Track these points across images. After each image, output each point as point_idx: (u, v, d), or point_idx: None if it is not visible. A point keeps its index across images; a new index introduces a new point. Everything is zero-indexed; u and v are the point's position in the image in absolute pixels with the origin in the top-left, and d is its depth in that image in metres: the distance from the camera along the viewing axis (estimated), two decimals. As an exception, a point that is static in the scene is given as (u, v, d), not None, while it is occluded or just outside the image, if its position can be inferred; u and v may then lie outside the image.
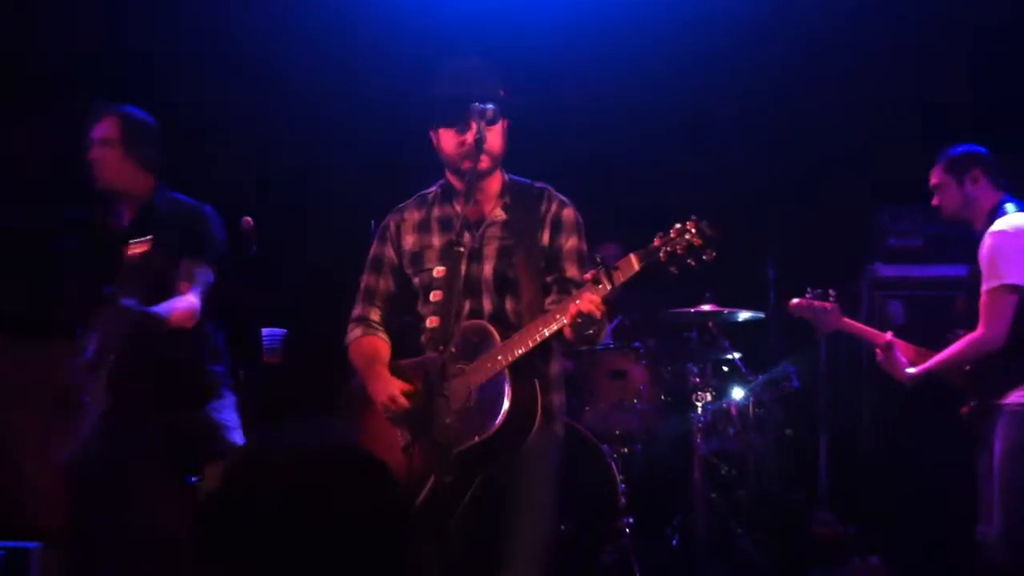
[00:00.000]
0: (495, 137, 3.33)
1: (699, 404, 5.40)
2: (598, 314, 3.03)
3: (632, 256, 3.08)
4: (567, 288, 3.30)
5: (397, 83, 5.56)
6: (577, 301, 3.03)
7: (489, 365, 3.16)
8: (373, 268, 3.51)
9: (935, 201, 4.41)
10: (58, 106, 5.35)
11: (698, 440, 5.37)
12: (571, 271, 3.33)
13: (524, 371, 3.17)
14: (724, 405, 5.51)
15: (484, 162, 3.30)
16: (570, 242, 3.37)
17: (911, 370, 4.30)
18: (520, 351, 3.13)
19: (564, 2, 5.85)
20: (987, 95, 5.71)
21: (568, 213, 3.39)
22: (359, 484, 1.73)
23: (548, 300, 3.30)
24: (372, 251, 3.52)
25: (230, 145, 5.91)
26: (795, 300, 4.57)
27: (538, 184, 3.45)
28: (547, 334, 3.12)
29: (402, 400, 3.27)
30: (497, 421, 3.11)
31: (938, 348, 4.36)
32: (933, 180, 4.42)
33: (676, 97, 6.03)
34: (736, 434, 5.48)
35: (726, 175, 6.08)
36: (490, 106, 3.29)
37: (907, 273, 5.59)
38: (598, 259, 3.09)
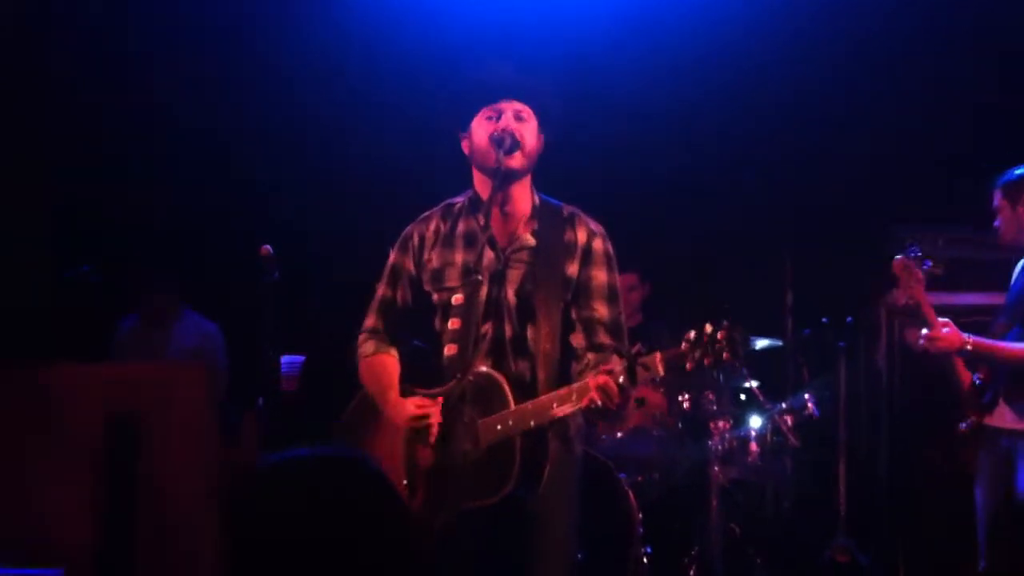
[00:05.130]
0: (530, 134, 3.27)
1: (716, 432, 5.39)
2: (612, 405, 2.99)
3: (659, 358, 2.98)
4: (594, 328, 3.25)
5: (420, 109, 5.58)
6: (594, 389, 2.99)
7: (499, 428, 3.11)
8: (391, 279, 3.41)
9: (997, 222, 4.36)
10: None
11: (716, 468, 5.34)
12: (600, 310, 3.27)
13: (535, 432, 3.14)
14: (742, 433, 5.49)
15: (516, 159, 3.23)
16: (600, 276, 3.30)
17: (970, 339, 4.18)
18: (532, 424, 3.09)
19: (579, 37, 5.86)
20: (1007, 120, 5.70)
21: (598, 244, 3.32)
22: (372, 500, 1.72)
23: (573, 338, 3.26)
24: (391, 260, 3.43)
25: (249, 172, 5.94)
26: (899, 257, 4.37)
27: (568, 208, 3.37)
28: (559, 415, 3.08)
29: (425, 415, 3.20)
30: (506, 489, 3.09)
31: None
32: (994, 203, 4.36)
33: (692, 123, 6.03)
34: (754, 462, 5.46)
35: (743, 200, 6.07)
36: (524, 103, 3.27)
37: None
38: (626, 352, 3.08)
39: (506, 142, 3.22)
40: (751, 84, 5.92)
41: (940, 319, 4.23)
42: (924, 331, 4.25)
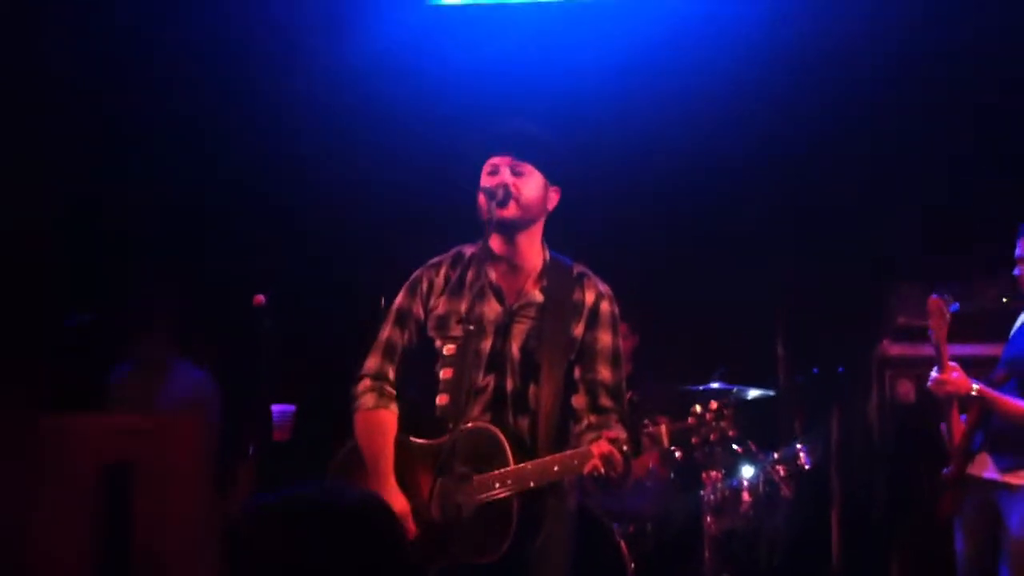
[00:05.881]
0: (528, 187, 3.30)
1: (709, 482, 5.38)
2: (614, 474, 3.01)
3: (664, 431, 3.05)
4: (597, 391, 3.26)
5: (418, 159, 5.62)
6: (596, 457, 3.01)
7: (498, 486, 3.11)
8: (398, 322, 3.40)
9: (1018, 271, 4.34)
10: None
11: (708, 519, 5.34)
12: (603, 373, 3.28)
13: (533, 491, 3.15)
14: (734, 483, 5.48)
15: (508, 210, 3.26)
16: (604, 339, 3.31)
17: (976, 386, 4.21)
18: (531, 484, 3.09)
19: (568, 77, 5.90)
20: (1000, 172, 5.75)
21: (605, 307, 3.34)
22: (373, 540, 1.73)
23: (575, 399, 3.27)
24: (398, 303, 3.43)
25: (244, 222, 5.95)
26: (935, 296, 4.35)
27: (578, 267, 3.40)
28: (560, 477, 3.11)
29: (410, 525, 3.20)
30: (504, 548, 3.09)
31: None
32: (1017, 252, 4.34)
33: (683, 172, 6.06)
34: (746, 512, 5.45)
35: (736, 251, 6.10)
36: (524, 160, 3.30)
37: (917, 352, 5.58)
38: (627, 418, 3.13)
39: (498, 194, 3.26)
40: (749, 138, 5.96)
41: (950, 363, 4.25)
42: (934, 373, 4.27)
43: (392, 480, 3.25)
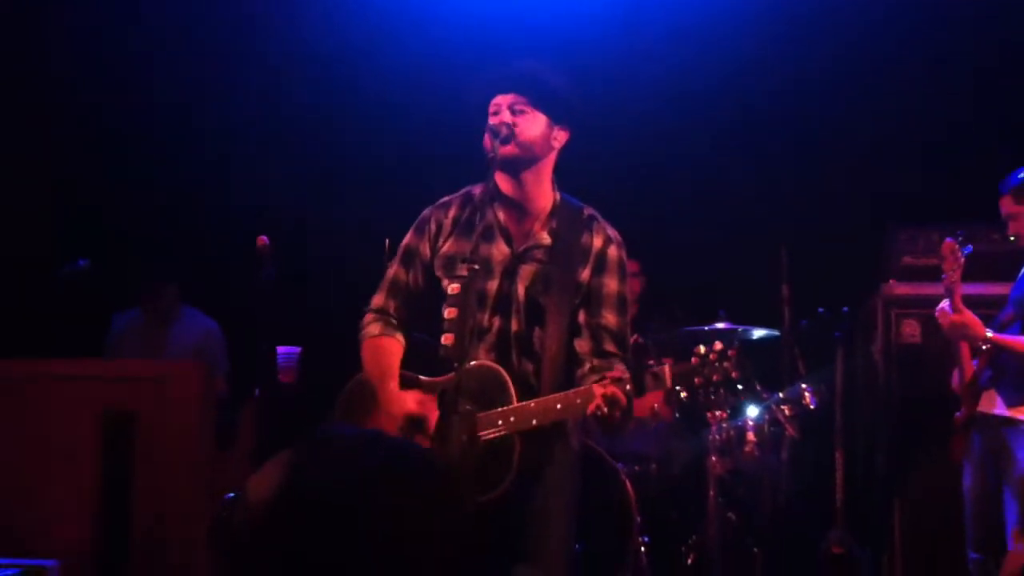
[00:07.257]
0: (528, 126, 3.27)
1: (714, 422, 5.39)
2: (617, 415, 2.99)
3: (667, 371, 3.03)
4: (601, 336, 3.24)
5: (423, 101, 5.60)
6: (599, 397, 2.99)
7: (500, 423, 3.11)
8: (404, 260, 3.40)
9: (1010, 230, 4.34)
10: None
11: (713, 459, 5.35)
12: (609, 318, 3.26)
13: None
14: (739, 423, 5.49)
15: (508, 148, 3.23)
16: (611, 285, 3.29)
17: (990, 333, 4.23)
18: (534, 423, 3.09)
19: (578, 32, 5.87)
20: (1003, 113, 5.72)
21: (613, 252, 3.31)
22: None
23: (578, 343, 3.25)
24: (406, 241, 3.42)
25: (248, 165, 5.94)
26: (949, 240, 4.35)
27: (588, 210, 3.37)
28: (563, 416, 3.09)
29: (424, 414, 3.18)
30: (504, 486, 3.09)
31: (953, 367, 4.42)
32: (1004, 210, 4.34)
33: (691, 115, 6.04)
34: (751, 452, 5.46)
35: (740, 192, 6.08)
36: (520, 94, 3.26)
37: (923, 291, 5.56)
38: (631, 362, 3.11)
39: (501, 132, 3.24)
40: (751, 77, 5.94)
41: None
42: (946, 306, 4.25)
43: (399, 392, 3.24)
